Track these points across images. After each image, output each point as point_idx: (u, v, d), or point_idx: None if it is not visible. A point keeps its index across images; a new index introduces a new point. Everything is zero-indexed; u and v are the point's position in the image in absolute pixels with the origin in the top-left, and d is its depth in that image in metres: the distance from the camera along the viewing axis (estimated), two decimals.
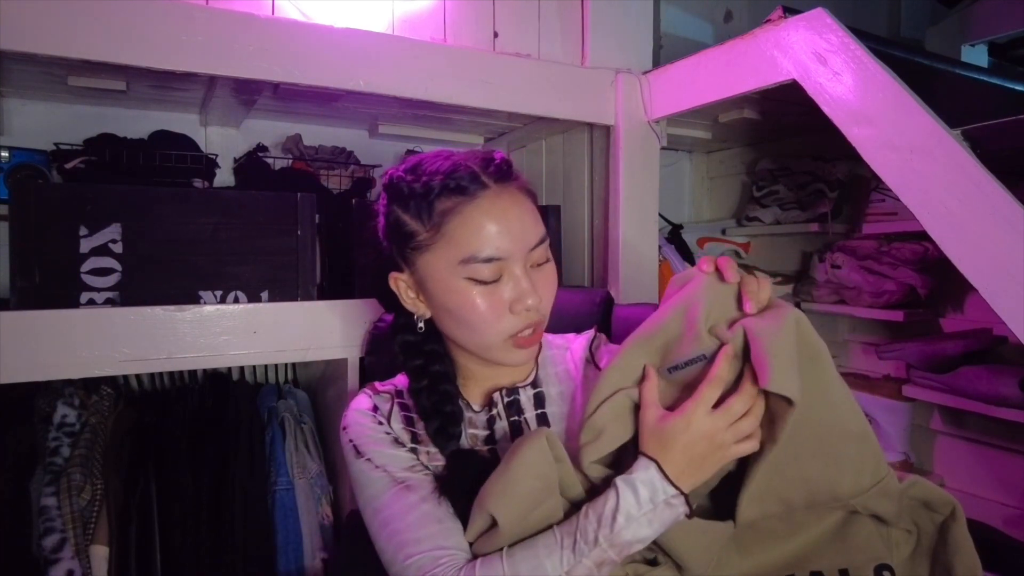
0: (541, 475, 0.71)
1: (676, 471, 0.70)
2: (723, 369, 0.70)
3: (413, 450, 0.83)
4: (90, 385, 1.19)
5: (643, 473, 0.70)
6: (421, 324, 0.86)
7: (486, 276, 0.77)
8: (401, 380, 0.90)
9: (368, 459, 0.81)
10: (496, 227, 0.77)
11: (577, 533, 0.69)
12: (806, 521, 0.75)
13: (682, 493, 0.70)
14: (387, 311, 0.91)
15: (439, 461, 0.83)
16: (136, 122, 1.52)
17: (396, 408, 0.87)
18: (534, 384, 0.88)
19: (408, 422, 0.85)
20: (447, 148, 0.86)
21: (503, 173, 0.80)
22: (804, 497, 0.73)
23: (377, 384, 0.91)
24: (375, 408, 0.86)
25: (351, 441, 0.83)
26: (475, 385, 0.89)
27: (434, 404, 0.84)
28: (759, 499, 0.73)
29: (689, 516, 0.71)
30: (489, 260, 0.76)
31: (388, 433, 0.84)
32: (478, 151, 0.82)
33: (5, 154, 1.32)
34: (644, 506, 0.68)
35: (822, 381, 0.70)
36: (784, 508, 0.73)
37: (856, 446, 0.71)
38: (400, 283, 0.84)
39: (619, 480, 0.70)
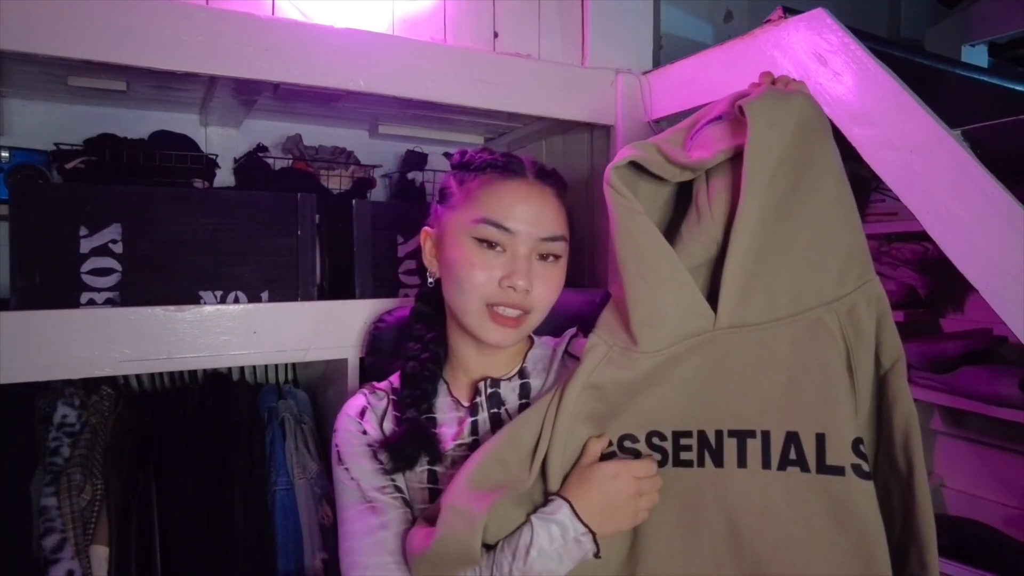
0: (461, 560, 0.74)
1: (589, 512, 0.74)
2: (654, 466, 0.78)
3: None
4: (90, 385, 1.19)
5: (557, 512, 0.74)
6: (431, 280, 0.92)
7: (490, 236, 0.82)
8: (397, 379, 0.93)
9: (346, 468, 0.85)
10: (516, 205, 0.83)
11: (493, 566, 0.73)
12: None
13: (591, 531, 0.73)
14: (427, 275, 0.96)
15: (423, 466, 0.86)
16: (136, 122, 1.52)
17: (391, 407, 0.89)
18: (521, 374, 0.91)
19: (399, 422, 0.88)
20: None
21: (545, 173, 0.88)
22: (789, 292, 0.75)
23: (375, 383, 0.94)
24: (363, 412, 0.89)
25: (336, 446, 0.87)
26: (464, 375, 0.91)
27: (415, 373, 0.89)
28: (741, 292, 0.76)
29: (597, 555, 0.75)
30: (498, 226, 0.82)
31: (370, 446, 0.86)
32: (535, 158, 0.91)
33: (5, 154, 1.32)
34: (555, 541, 0.73)
35: (819, 187, 0.76)
36: (767, 305, 0.76)
37: (846, 250, 0.75)
38: (427, 238, 0.91)
39: (535, 517, 0.75)
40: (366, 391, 0.92)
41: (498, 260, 0.82)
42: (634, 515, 0.77)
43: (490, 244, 0.82)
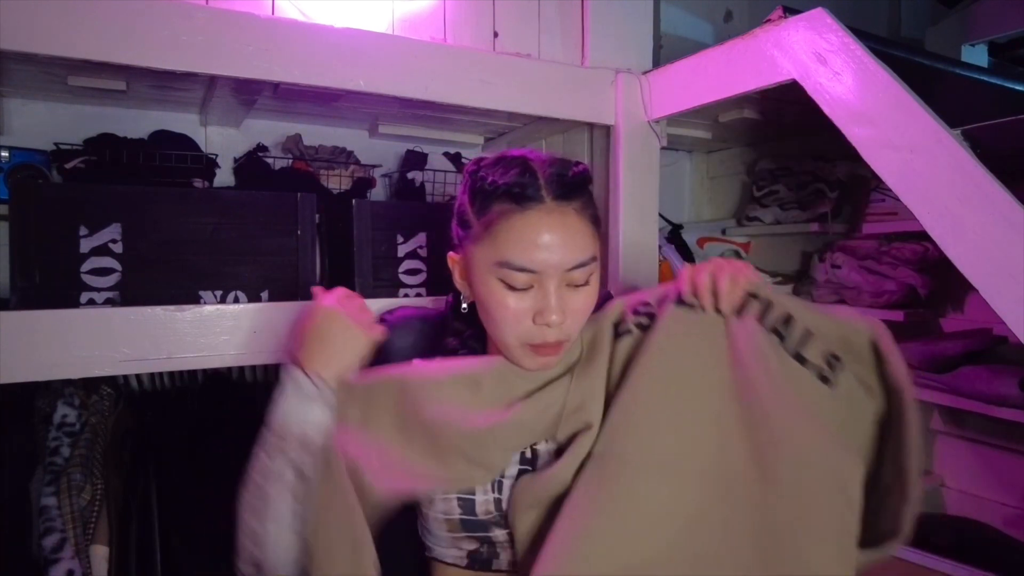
0: None
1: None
2: None
3: None
4: (90, 385, 1.19)
5: None
6: (465, 305, 0.91)
7: (517, 283, 0.80)
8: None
9: None
10: (537, 242, 0.78)
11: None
12: None
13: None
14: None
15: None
16: (136, 122, 1.52)
17: None
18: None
19: None
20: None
21: (565, 192, 0.81)
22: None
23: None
24: None
25: None
26: None
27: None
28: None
29: None
30: (522, 270, 0.79)
31: None
32: (561, 158, 0.86)
33: (5, 154, 1.32)
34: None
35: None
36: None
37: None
38: (455, 264, 0.89)
39: None
40: None
41: (527, 298, 0.80)
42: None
43: (516, 286, 0.80)
